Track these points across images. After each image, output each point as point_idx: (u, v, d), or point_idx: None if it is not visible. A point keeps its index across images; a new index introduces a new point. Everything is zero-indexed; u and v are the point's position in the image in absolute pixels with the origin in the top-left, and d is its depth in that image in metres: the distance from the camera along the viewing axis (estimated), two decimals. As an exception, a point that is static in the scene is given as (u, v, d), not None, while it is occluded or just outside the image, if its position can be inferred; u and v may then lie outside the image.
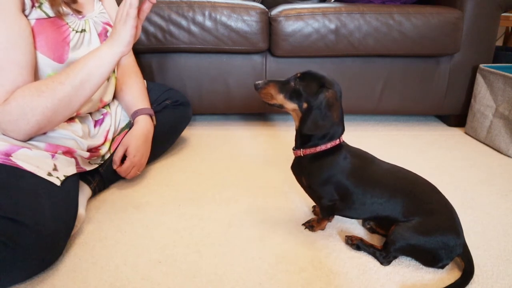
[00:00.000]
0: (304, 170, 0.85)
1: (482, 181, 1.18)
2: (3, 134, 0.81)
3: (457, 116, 1.65)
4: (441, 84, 1.57)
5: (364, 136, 1.53)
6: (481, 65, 1.47)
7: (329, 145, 0.82)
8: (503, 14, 1.55)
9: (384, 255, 0.80)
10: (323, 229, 0.92)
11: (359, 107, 1.60)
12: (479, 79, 1.48)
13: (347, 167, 0.82)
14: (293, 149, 0.87)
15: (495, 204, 1.04)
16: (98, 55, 0.82)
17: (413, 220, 0.77)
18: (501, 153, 1.39)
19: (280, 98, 0.81)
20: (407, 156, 1.35)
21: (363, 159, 0.84)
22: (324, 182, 0.82)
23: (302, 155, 0.84)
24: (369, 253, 0.82)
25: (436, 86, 1.57)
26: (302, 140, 0.83)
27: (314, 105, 0.77)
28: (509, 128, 1.35)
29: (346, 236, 0.87)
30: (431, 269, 0.79)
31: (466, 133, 1.58)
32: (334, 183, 0.82)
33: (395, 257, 0.81)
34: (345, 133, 0.78)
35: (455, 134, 1.59)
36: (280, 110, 0.85)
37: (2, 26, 0.76)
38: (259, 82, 0.83)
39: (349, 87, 1.55)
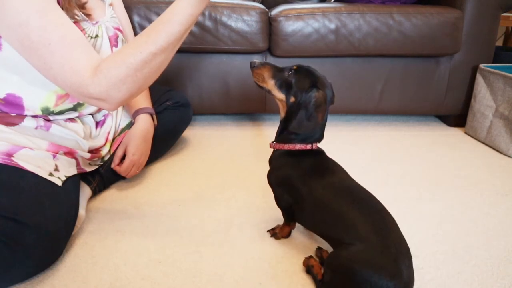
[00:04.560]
0: (270, 165, 0.84)
1: (482, 181, 1.18)
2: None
3: (457, 116, 1.65)
4: (441, 84, 1.57)
5: (364, 136, 1.53)
6: (481, 65, 1.47)
7: (297, 146, 0.79)
8: (503, 14, 1.55)
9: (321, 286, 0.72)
10: (285, 236, 0.88)
11: (359, 107, 1.60)
12: (479, 79, 1.48)
13: (306, 174, 0.77)
14: (271, 141, 0.85)
15: (495, 204, 1.04)
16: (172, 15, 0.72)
17: (349, 248, 0.66)
18: (501, 153, 1.39)
19: (270, 84, 0.80)
20: (407, 156, 1.35)
21: (327, 172, 0.78)
22: (280, 182, 0.81)
23: (274, 148, 0.83)
24: (313, 280, 0.75)
25: (436, 86, 1.57)
26: (279, 133, 0.82)
27: (302, 104, 0.76)
28: (509, 128, 1.35)
29: (316, 249, 0.83)
30: (431, 269, 0.79)
31: (466, 133, 1.58)
32: (289, 185, 0.79)
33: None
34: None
35: (455, 134, 1.59)
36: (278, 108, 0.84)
37: (59, 10, 0.75)
38: (256, 61, 0.82)
39: (349, 87, 1.55)
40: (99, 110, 1.06)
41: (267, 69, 0.81)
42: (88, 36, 0.92)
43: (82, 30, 0.90)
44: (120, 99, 0.74)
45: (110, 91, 0.72)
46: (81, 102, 0.94)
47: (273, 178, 0.83)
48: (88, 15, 0.94)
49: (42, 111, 0.88)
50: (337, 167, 0.81)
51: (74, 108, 0.94)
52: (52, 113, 0.90)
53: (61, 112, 0.92)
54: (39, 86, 0.85)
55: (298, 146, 0.79)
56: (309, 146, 0.80)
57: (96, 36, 0.95)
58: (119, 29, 1.04)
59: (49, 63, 0.72)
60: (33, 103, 0.86)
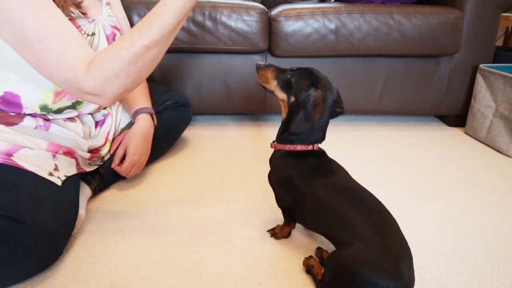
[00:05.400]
0: (270, 165, 0.85)
1: (482, 181, 1.18)
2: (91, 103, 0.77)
3: (457, 116, 1.65)
4: (441, 84, 1.57)
5: (364, 136, 1.53)
6: (481, 65, 1.47)
7: (298, 147, 0.79)
8: (503, 14, 1.55)
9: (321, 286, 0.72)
10: (285, 236, 0.88)
11: (359, 107, 1.60)
12: (479, 79, 1.48)
13: (307, 174, 0.77)
14: (272, 141, 0.86)
15: (495, 204, 1.04)
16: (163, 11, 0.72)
17: (349, 248, 0.65)
18: (501, 153, 1.39)
19: (273, 85, 0.82)
20: (407, 156, 1.35)
21: (328, 172, 0.78)
22: (280, 182, 0.81)
23: (275, 148, 0.84)
24: (313, 280, 0.75)
25: (436, 86, 1.57)
26: (280, 134, 0.83)
27: (301, 103, 0.76)
28: (509, 128, 1.35)
29: (316, 249, 0.83)
30: (431, 269, 0.79)
31: (466, 133, 1.58)
32: (290, 186, 0.79)
33: None
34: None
35: (455, 134, 1.59)
36: (280, 108, 0.84)
37: (54, 6, 0.75)
38: (261, 63, 0.84)
39: (349, 87, 1.55)
40: (98, 110, 1.06)
41: (270, 70, 0.83)
42: (85, 33, 0.92)
43: (78, 27, 0.90)
44: (114, 93, 0.74)
45: (104, 86, 0.72)
46: (80, 100, 0.94)
47: (273, 178, 0.83)
48: (84, 14, 0.94)
49: (40, 108, 0.88)
50: (338, 168, 0.81)
51: (73, 106, 0.94)
52: (51, 110, 0.90)
53: (59, 111, 0.92)
54: (36, 83, 0.85)
55: (299, 147, 0.80)
56: (310, 147, 0.80)
57: (93, 34, 0.95)
58: (116, 28, 1.04)
59: (43, 59, 0.72)
60: (31, 101, 0.86)
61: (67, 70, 0.72)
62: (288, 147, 0.80)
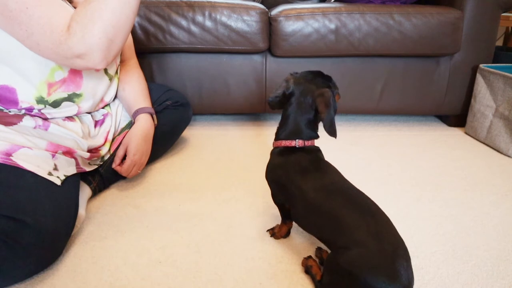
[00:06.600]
0: None
1: (482, 181, 1.18)
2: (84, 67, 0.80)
3: (457, 116, 1.65)
4: (441, 84, 1.57)
5: (364, 136, 1.53)
6: (481, 65, 1.47)
7: (283, 143, 0.80)
8: (503, 14, 1.55)
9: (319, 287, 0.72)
10: (284, 235, 0.88)
11: (359, 107, 1.60)
12: (479, 79, 1.48)
13: (293, 173, 0.76)
14: None
15: (495, 204, 1.04)
16: None
17: (348, 251, 0.64)
18: (501, 153, 1.39)
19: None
20: (407, 156, 1.35)
21: (317, 172, 0.76)
22: (271, 180, 0.82)
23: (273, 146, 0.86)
24: (312, 280, 0.75)
25: (436, 86, 1.57)
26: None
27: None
28: (509, 128, 1.35)
29: (316, 249, 0.83)
30: (431, 269, 0.79)
31: (466, 133, 1.58)
32: (279, 185, 0.79)
33: None
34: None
35: (455, 134, 1.59)
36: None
37: None
38: None
39: (349, 87, 1.55)
40: (98, 109, 1.06)
41: None
42: None
43: None
44: (98, 44, 0.76)
45: (85, 37, 0.74)
46: (77, 92, 0.93)
47: (266, 175, 0.84)
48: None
49: (37, 101, 0.88)
50: (328, 167, 0.79)
51: (70, 99, 0.93)
52: (47, 103, 0.89)
53: (56, 104, 0.91)
54: (30, 75, 0.85)
55: (284, 143, 0.80)
56: (294, 143, 0.79)
57: None
58: None
59: (30, 29, 0.73)
60: (26, 94, 0.86)
61: (52, 33, 0.74)
62: (277, 143, 0.81)
